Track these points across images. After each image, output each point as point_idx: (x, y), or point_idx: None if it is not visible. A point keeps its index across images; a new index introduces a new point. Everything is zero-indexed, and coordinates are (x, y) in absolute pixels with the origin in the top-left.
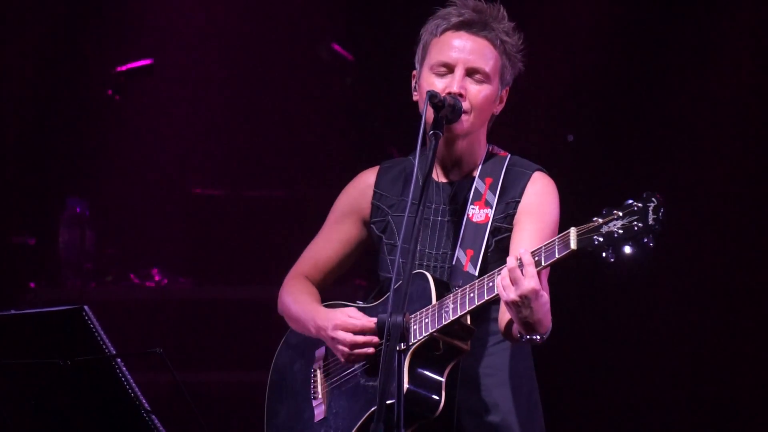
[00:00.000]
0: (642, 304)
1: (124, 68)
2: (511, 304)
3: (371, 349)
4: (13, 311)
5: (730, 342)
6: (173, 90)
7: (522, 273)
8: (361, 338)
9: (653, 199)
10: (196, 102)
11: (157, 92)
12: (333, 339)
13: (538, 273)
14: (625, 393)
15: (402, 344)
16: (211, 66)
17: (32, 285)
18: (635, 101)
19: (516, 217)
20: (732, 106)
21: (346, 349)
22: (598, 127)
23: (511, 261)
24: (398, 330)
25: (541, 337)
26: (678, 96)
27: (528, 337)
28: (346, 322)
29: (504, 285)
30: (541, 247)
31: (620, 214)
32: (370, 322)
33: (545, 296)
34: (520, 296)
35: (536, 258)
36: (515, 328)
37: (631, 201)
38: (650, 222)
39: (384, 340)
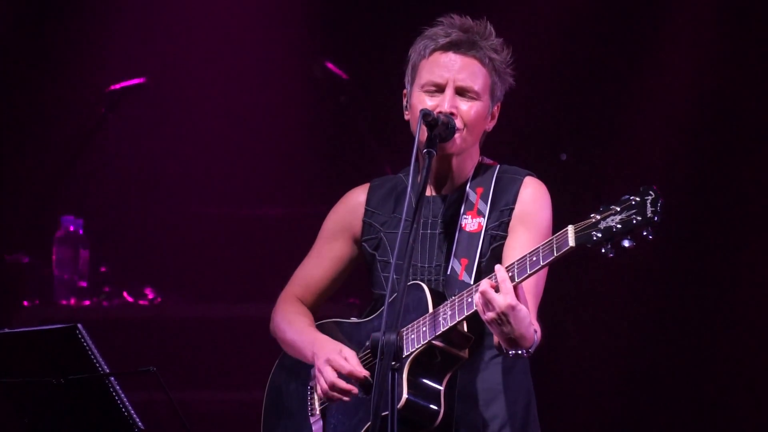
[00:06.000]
0: (640, 320)
1: (117, 87)
2: (491, 322)
3: (347, 398)
4: (6, 330)
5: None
6: (167, 109)
7: (497, 289)
8: (342, 384)
9: (650, 192)
10: (190, 120)
11: (151, 111)
12: (319, 370)
13: (515, 287)
14: (623, 409)
15: (395, 362)
16: (204, 84)
17: (26, 303)
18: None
19: (511, 224)
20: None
21: (325, 386)
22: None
23: (489, 280)
24: (392, 348)
25: (527, 351)
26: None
27: (513, 352)
28: (337, 361)
29: (478, 304)
30: (514, 263)
31: (618, 209)
32: (360, 373)
33: (524, 310)
34: (498, 314)
35: (510, 273)
36: (497, 341)
37: (627, 196)
38: (649, 214)
39: (377, 359)
